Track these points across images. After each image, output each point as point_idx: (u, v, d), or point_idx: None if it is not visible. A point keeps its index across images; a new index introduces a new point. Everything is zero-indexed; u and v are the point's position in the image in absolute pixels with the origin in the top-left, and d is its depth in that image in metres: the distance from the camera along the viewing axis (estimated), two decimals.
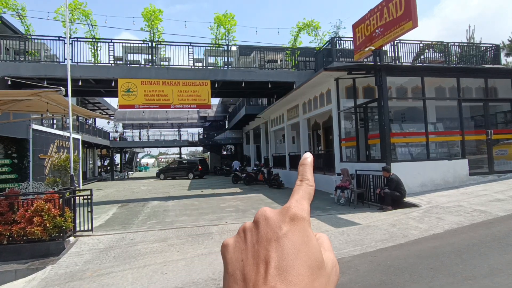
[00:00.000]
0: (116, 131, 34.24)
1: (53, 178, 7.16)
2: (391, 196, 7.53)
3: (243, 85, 12.23)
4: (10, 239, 5.87)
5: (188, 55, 12.01)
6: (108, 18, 32.83)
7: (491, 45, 15.09)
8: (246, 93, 15.11)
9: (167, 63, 12.26)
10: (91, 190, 6.60)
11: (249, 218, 7.69)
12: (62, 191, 6.24)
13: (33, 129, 13.72)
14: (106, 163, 35.86)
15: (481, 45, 15.68)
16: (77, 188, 6.76)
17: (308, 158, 0.46)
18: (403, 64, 12.22)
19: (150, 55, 11.74)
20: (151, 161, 76.10)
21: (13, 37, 10.83)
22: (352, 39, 11.72)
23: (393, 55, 12.47)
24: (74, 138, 18.89)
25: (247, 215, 8.00)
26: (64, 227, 6.02)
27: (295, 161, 15.76)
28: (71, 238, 6.41)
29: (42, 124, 16.54)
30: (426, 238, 5.50)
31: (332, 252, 0.41)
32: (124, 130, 35.26)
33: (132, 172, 41.08)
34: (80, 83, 10.85)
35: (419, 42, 13.17)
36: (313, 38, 13.72)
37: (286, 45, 13.46)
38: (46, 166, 14.94)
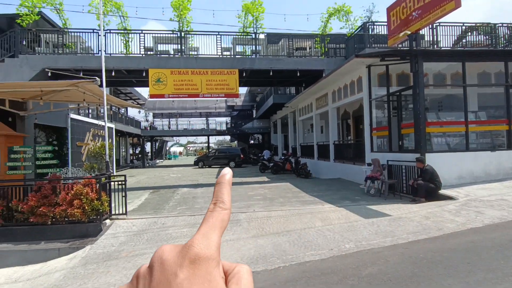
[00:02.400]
0: (147, 120, 35.43)
1: (90, 164, 7.56)
2: (425, 187, 7.21)
3: (271, 73, 12.10)
4: (54, 220, 6.30)
5: (216, 44, 12.06)
6: (138, 9, 33.60)
7: None
8: (274, 81, 14.96)
9: (195, 53, 12.39)
10: (125, 176, 6.90)
11: (276, 206, 7.70)
12: (98, 177, 6.57)
13: (71, 118, 14.53)
14: (137, 151, 37.32)
15: None
16: (112, 174, 7.09)
17: (226, 175, 0.40)
18: (442, 48, 11.48)
19: (179, 45, 11.91)
20: (179, 149, 78.24)
21: (52, 31, 11.42)
22: (386, 23, 11.15)
23: (431, 39, 11.74)
24: (108, 127, 19.81)
25: (274, 203, 8.02)
26: (100, 210, 6.36)
27: (324, 151, 15.51)
28: (107, 221, 6.76)
29: (79, 114, 17.47)
30: (463, 232, 5.22)
31: None
32: (154, 119, 36.39)
33: (162, 160, 42.51)
34: (113, 74, 11.26)
35: (461, 24, 12.26)
36: (344, 24, 13.23)
37: (316, 32, 13.08)
38: (83, 153, 15.80)
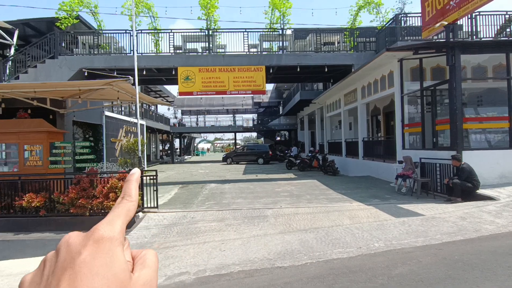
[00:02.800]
0: (176, 117, 36.40)
1: (124, 159, 7.92)
2: (461, 187, 6.85)
3: (298, 69, 11.98)
4: (91, 211, 6.68)
5: (243, 41, 12.12)
6: (167, 9, 34.42)
7: None
8: (301, 77, 14.80)
9: (223, 50, 12.54)
10: (156, 171, 7.16)
11: (303, 203, 7.66)
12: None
13: (106, 116, 15.28)
14: (167, 147, 38.48)
15: None
16: (144, 169, 7.38)
17: (135, 174, 0.43)
18: (483, 39, 10.78)
19: (206, 43, 12.11)
20: (207, 146, 79.74)
21: (88, 32, 12.05)
22: (420, 14, 10.64)
23: (469, 29, 11.05)
24: (139, 124, 20.63)
25: (301, 200, 7.98)
26: None
27: (352, 148, 15.17)
28: (140, 214, 7.06)
29: (112, 111, 18.31)
30: (504, 234, 4.92)
31: (152, 268, 0.37)
32: (183, 116, 37.31)
33: (190, 156, 43.55)
34: (144, 72, 11.68)
35: (504, 12, 11.42)
36: (375, 17, 12.80)
37: (345, 26, 12.75)
38: (117, 149, 16.56)
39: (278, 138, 35.42)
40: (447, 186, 7.24)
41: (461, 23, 11.38)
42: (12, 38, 12.20)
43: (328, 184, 10.60)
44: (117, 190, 6.60)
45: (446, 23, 8.67)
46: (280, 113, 33.17)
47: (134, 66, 9.92)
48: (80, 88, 7.45)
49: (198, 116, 36.30)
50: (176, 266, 4.67)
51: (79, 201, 6.56)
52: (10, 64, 11.67)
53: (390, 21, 11.23)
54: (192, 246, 5.37)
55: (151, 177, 7.28)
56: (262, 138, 43.00)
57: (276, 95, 33.65)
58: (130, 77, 6.56)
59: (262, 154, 25.36)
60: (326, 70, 12.19)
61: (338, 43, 13.00)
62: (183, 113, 37.11)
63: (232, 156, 26.73)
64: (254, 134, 58.58)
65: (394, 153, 10.84)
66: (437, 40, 10.77)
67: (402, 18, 10.91)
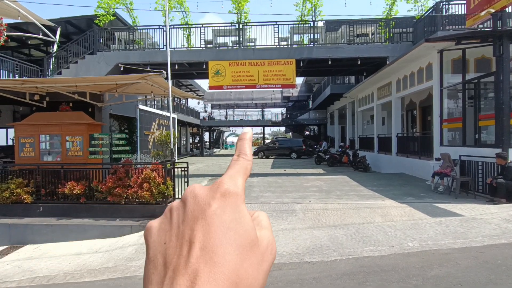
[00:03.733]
0: (206, 111, 37.05)
1: (156, 151, 8.19)
2: (506, 187, 6.38)
3: (329, 62, 11.68)
4: (127, 200, 6.99)
5: (274, 35, 11.99)
6: (198, 3, 34.87)
7: None
8: (333, 71, 14.44)
9: (253, 44, 12.51)
10: (187, 163, 7.34)
11: (332, 199, 7.52)
12: (164, 163, 7.09)
13: (140, 109, 15.90)
14: (197, 141, 39.37)
15: None
16: (175, 161, 7.59)
17: (247, 133, 0.41)
18: None
19: (237, 37, 12.13)
20: (236, 139, 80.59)
21: (124, 29, 12.53)
22: (464, 1, 9.95)
23: None
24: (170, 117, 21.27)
25: (331, 196, 7.84)
26: (166, 194, 6.87)
27: (385, 143, 14.64)
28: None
29: (145, 105, 18.99)
30: None
31: (269, 230, 0.37)
32: (212, 110, 37.89)
33: (218, 150, 44.28)
34: (176, 67, 11.96)
35: None
36: (412, 6, 12.11)
37: (380, 16, 12.21)
38: (150, 141, 17.24)
39: (307, 133, 34.95)
40: (490, 186, 6.78)
41: (510, 11, 10.49)
42: (55, 36, 12.96)
43: (358, 180, 10.32)
44: (150, 180, 6.85)
45: (493, 10, 8.03)
46: (310, 107, 32.67)
47: (167, 61, 10.18)
48: (117, 82, 7.77)
49: (227, 110, 36.68)
50: None
51: (116, 190, 6.89)
52: (53, 60, 12.42)
53: (430, 10, 10.55)
54: None
55: (183, 169, 7.47)
56: (290, 133, 42.68)
57: (305, 89, 33.15)
58: (163, 71, 6.74)
59: (295, 149, 24.92)
60: (359, 62, 11.77)
61: (372, 34, 12.47)
62: (212, 107, 37.69)
63: (264, 150, 26.34)
64: (283, 129, 58.29)
65: (431, 149, 10.33)
66: (483, 29, 10.02)
67: (444, 6, 10.22)
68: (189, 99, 37.16)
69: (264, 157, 25.75)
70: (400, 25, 12.44)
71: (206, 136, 41.93)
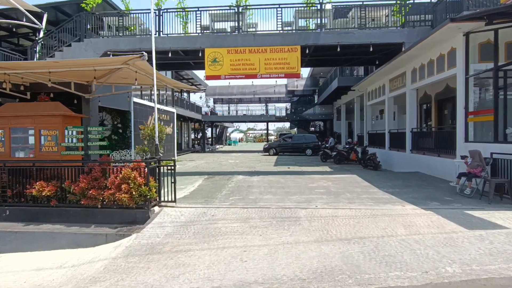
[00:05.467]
0: (208, 106, 36.06)
1: (141, 147, 7.23)
2: None
3: (338, 49, 10.54)
4: (104, 203, 6.02)
5: (277, 19, 10.88)
6: None
7: None
8: (341, 60, 13.27)
9: (253, 29, 11.42)
10: (174, 161, 6.34)
11: (343, 203, 6.46)
12: (147, 161, 6.09)
13: (134, 102, 14.91)
14: (199, 136, 38.46)
15: None
16: (161, 158, 6.59)
17: None
18: None
19: (236, 22, 11.03)
20: (240, 135, 79.71)
21: (113, 13, 11.50)
22: None
23: None
24: (169, 111, 20.24)
25: (340, 199, 6.78)
26: (148, 196, 5.89)
27: (397, 140, 13.51)
28: (156, 208, 6.31)
29: (142, 98, 18.01)
30: None
31: None
32: (215, 105, 36.88)
33: (221, 146, 43.32)
34: (170, 55, 10.93)
35: None
36: None
37: (393, 1, 11.01)
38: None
39: (312, 129, 33.79)
40: None
41: None
42: (41, 22, 12.00)
43: (370, 181, 9.25)
44: (129, 181, 5.87)
45: None
46: (315, 102, 31.49)
47: (159, 48, 9.25)
48: (96, 67, 6.75)
49: (230, 105, 35.63)
50: (186, 278, 3.80)
51: (90, 191, 5.92)
52: (39, 48, 11.47)
53: None
54: (209, 252, 4.46)
55: (169, 168, 6.48)
56: (295, 129, 41.55)
57: (311, 83, 31.94)
58: (144, 52, 5.72)
59: (311, 145, 23.56)
60: (371, 49, 10.61)
61: (386, 16, 11.26)
62: (215, 101, 36.68)
63: (276, 146, 24.66)
64: (287, 125, 57.12)
65: (453, 146, 9.21)
66: None
67: None
68: (191, 94, 36.19)
69: (280, 154, 24.15)
70: (417, 10, 11.23)
71: (208, 132, 41.04)
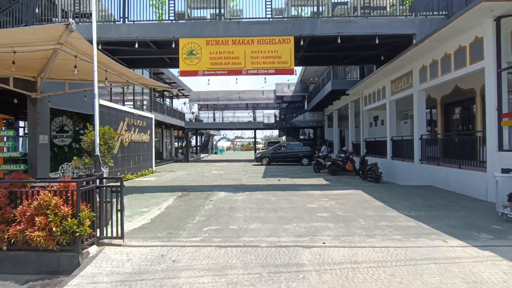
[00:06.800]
0: (192, 113, 34.05)
1: (81, 159, 5.30)
2: None
3: (339, 41, 8.88)
4: (12, 243, 4.04)
5: (265, 5, 9.17)
6: None
7: None
8: (339, 57, 11.65)
9: (238, 18, 9.68)
10: (120, 179, 4.40)
11: (359, 236, 4.66)
12: (79, 180, 4.15)
13: (101, 105, 12.85)
14: (184, 145, 36.30)
15: None
16: (102, 175, 4.66)
17: None
18: None
19: (217, 9, 9.26)
20: (227, 144, 77.72)
21: None
22: None
23: None
24: (146, 117, 18.18)
25: (354, 230, 4.97)
26: (78, 234, 3.94)
27: (402, 148, 11.93)
28: (93, 248, 4.33)
29: (111, 100, 15.93)
30: None
31: None
32: (200, 111, 34.89)
33: (207, 155, 41.22)
34: (136, 46, 9.03)
35: None
36: None
37: None
38: (115, 145, 14.20)
39: (302, 137, 32.20)
40: None
41: None
42: None
43: (381, 199, 7.51)
44: (48, 211, 3.92)
45: None
46: (305, 108, 29.98)
47: (124, 38, 7.38)
48: (14, 48, 4.79)
49: (216, 111, 33.72)
50: None
51: None
52: None
53: None
54: None
55: (114, 189, 4.55)
56: (284, 137, 39.88)
57: (300, 88, 30.46)
58: (71, 20, 3.87)
59: (307, 154, 22.00)
60: (377, 42, 9.01)
61: (391, 6, 9.73)
62: (199, 108, 34.69)
63: (268, 156, 22.91)
64: (275, 132, 55.53)
65: (477, 155, 7.64)
66: None
67: None
68: (174, 99, 34.17)
69: (273, 163, 22.48)
70: None
71: (194, 140, 38.89)
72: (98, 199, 4.48)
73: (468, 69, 7.84)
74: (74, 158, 5.75)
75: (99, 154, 4.54)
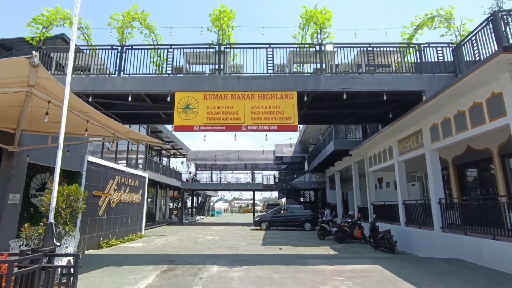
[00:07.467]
0: (190, 172, 33.10)
1: (36, 227, 4.17)
2: None
3: (344, 97, 8.39)
4: None
5: (267, 62, 8.90)
6: (173, 30, 29.34)
7: None
8: (343, 115, 11.16)
9: (238, 73, 9.35)
10: (77, 256, 3.26)
11: None
12: (11, 260, 3.02)
13: (89, 162, 11.92)
14: (179, 206, 34.59)
15: None
16: (56, 246, 3.53)
17: None
18: None
19: (217, 65, 8.97)
20: (224, 205, 75.05)
21: (62, 48, 9.25)
22: None
23: None
24: (138, 176, 17.13)
25: None
26: None
27: (416, 213, 10.75)
28: None
29: (101, 157, 15.08)
30: None
31: None
32: (197, 171, 33.97)
33: (203, 217, 39.12)
34: (129, 99, 8.50)
35: None
36: (446, 30, 9.43)
37: (403, 42, 9.41)
38: (101, 205, 12.92)
39: (302, 199, 30.78)
40: None
41: None
42: None
43: (408, 278, 6.16)
44: None
45: None
46: (306, 169, 29.18)
47: (117, 90, 6.78)
48: None
49: (214, 171, 32.81)
50: None
51: None
52: None
53: (484, 23, 7.64)
54: None
55: (66, 270, 3.38)
56: (283, 199, 38.35)
57: (300, 149, 30.06)
58: (34, 52, 3.19)
59: (309, 218, 20.56)
60: (384, 98, 8.52)
61: (397, 62, 9.48)
62: (197, 167, 33.85)
63: (268, 219, 21.34)
64: (274, 194, 53.89)
65: (502, 220, 6.54)
66: None
67: (505, 16, 7.38)
68: (172, 159, 33.52)
69: (273, 228, 20.96)
70: (430, 56, 9.58)
71: (190, 201, 37.24)
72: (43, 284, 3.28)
73: (488, 126, 7.16)
74: (25, 225, 4.60)
75: (52, 221, 3.47)
